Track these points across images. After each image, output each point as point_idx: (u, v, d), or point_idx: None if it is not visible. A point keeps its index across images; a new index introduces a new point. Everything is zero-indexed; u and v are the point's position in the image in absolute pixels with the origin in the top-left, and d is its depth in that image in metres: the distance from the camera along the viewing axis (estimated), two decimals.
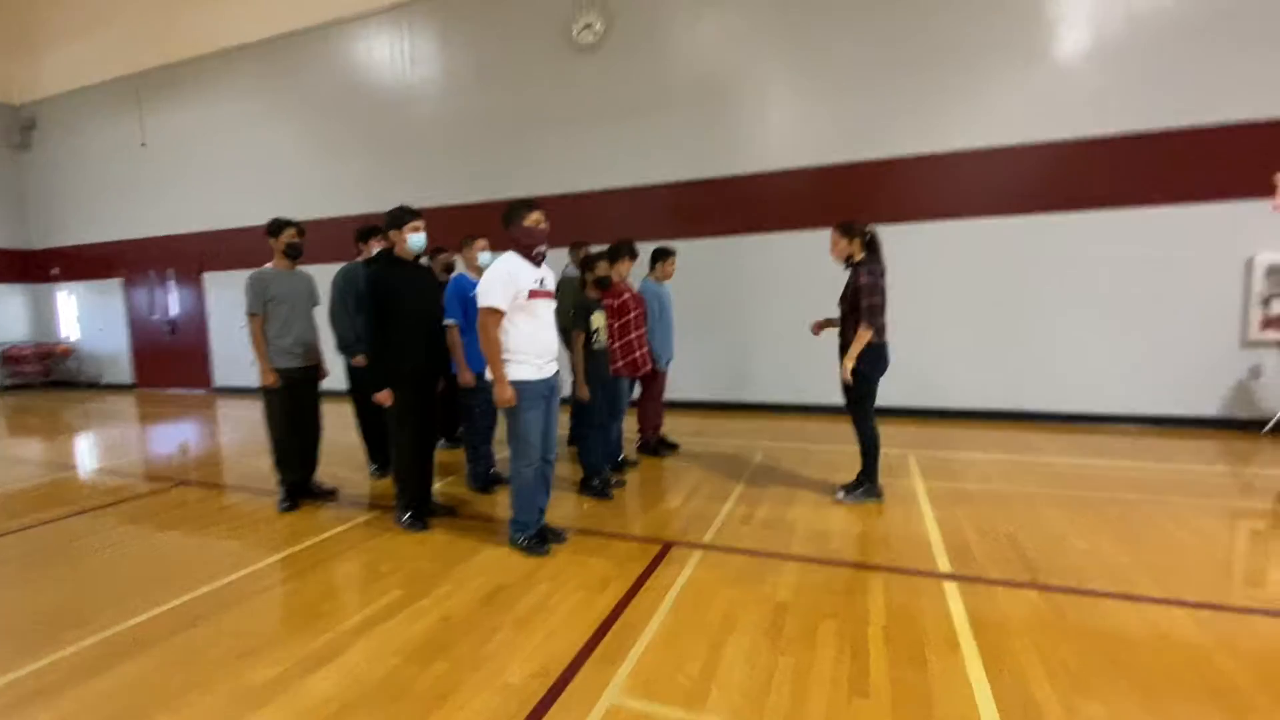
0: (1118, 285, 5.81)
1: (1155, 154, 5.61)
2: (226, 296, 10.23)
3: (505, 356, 3.13)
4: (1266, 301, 5.43)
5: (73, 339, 11.80)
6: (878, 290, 3.64)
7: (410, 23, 8.42)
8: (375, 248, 4.97)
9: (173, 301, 10.75)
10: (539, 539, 3.33)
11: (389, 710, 2.07)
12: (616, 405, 4.68)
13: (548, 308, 3.28)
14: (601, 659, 2.32)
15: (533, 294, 3.15)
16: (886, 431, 4.07)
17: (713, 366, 7.29)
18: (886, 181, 6.45)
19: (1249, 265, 5.46)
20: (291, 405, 4.14)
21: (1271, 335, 5.43)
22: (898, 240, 4.63)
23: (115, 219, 11.06)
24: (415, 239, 3.54)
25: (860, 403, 3.82)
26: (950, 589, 2.80)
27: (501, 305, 3.07)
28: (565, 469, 4.81)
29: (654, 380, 5.11)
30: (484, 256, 4.41)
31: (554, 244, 3.56)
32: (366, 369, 3.52)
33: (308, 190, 9.28)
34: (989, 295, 6.22)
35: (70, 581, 3.17)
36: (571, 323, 4.27)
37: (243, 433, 6.98)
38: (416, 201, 4.46)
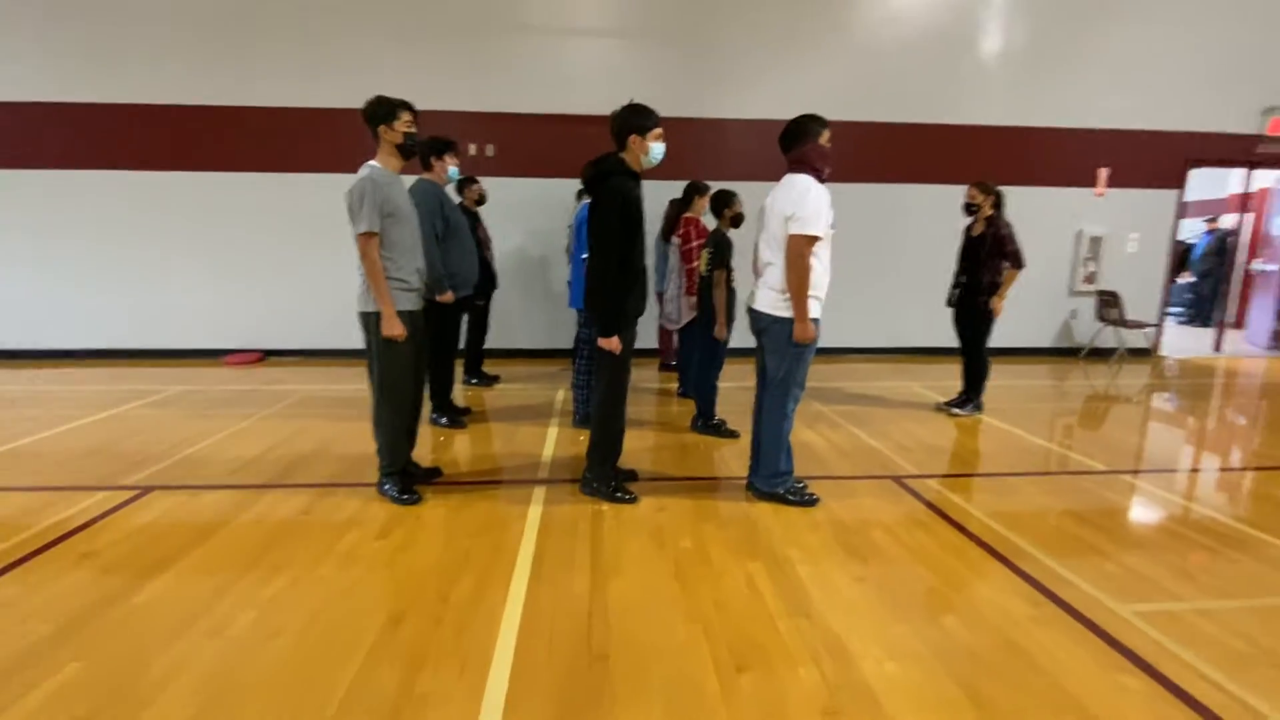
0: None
1: (1026, 145, 7.24)
2: None
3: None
4: (1085, 262, 7.54)
5: None
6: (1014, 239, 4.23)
7: None
8: (446, 165, 3.88)
9: None
10: (801, 489, 3.16)
11: None
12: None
13: None
14: None
15: (833, 225, 2.89)
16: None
17: None
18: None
19: (1078, 236, 7.49)
20: (414, 364, 3.05)
21: (1086, 287, 7.57)
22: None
23: None
24: (658, 149, 2.87)
25: (988, 334, 4.45)
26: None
27: (823, 233, 2.76)
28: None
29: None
30: None
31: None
32: (601, 311, 2.83)
33: None
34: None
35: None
36: (711, 262, 4.03)
37: (52, 409, 4.69)
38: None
